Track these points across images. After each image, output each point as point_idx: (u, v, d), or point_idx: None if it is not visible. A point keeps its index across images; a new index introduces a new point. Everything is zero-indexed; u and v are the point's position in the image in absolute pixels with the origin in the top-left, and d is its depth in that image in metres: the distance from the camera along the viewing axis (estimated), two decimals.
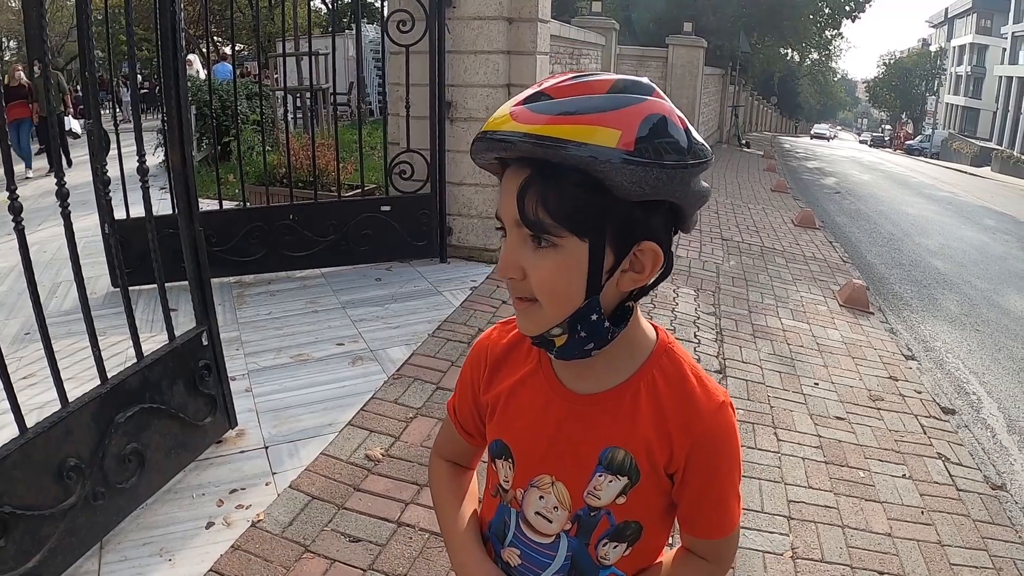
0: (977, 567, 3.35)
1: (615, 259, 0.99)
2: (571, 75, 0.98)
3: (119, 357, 4.02)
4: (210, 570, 2.73)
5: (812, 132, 65.58)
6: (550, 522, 1.16)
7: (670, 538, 1.25)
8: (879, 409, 4.88)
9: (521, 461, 1.18)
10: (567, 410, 1.13)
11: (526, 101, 0.96)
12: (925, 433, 4.65)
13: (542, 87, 0.97)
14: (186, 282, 3.42)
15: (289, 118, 8.32)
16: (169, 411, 3.15)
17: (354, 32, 12.83)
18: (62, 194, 2.70)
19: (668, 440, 1.08)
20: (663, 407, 1.09)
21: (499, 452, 1.21)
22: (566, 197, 0.94)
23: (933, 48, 77.05)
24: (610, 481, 1.11)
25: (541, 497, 1.16)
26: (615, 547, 1.16)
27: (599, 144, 0.91)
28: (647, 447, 1.09)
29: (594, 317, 1.02)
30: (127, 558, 2.79)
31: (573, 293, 1.00)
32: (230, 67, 8.05)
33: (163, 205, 6.73)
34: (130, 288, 3.13)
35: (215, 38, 19.96)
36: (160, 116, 8.37)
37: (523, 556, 1.20)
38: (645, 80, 0.98)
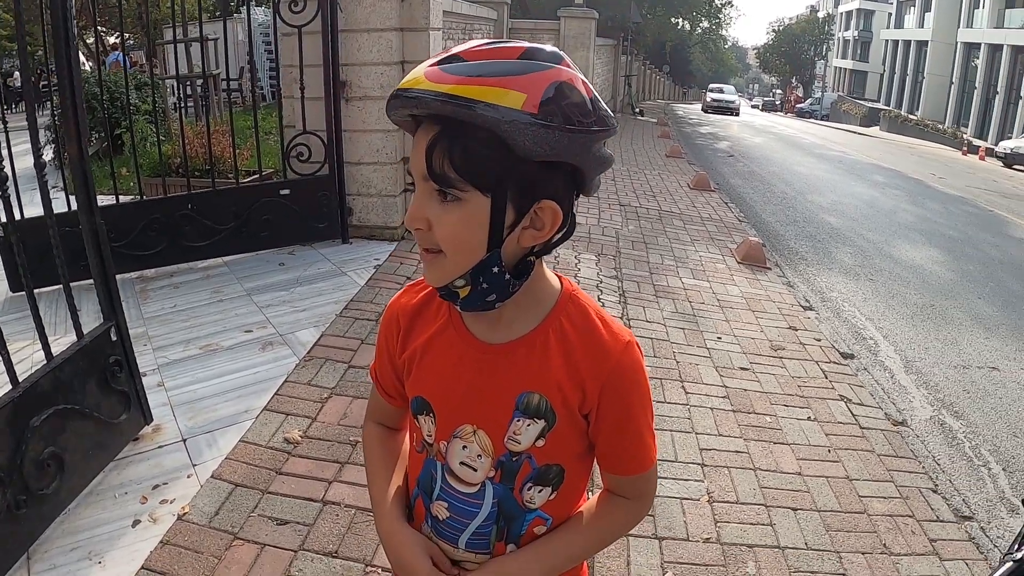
0: (885, 497, 3.57)
1: (516, 216, 1.04)
2: (486, 41, 1.02)
3: (26, 363, 3.90)
4: (141, 568, 2.70)
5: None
6: (475, 471, 1.21)
7: (589, 488, 1.33)
8: (781, 358, 5.10)
9: (442, 414, 1.22)
10: (481, 360, 1.18)
11: (440, 63, 1.00)
12: (827, 378, 4.88)
13: (456, 51, 1.02)
14: (86, 282, 3.35)
15: (181, 106, 8.10)
16: (84, 411, 3.09)
17: (244, 16, 12.56)
18: None
19: (579, 381, 1.15)
20: (572, 350, 1.15)
21: (420, 408, 1.25)
22: (471, 154, 0.99)
23: (821, 14, 79.24)
24: (528, 425, 1.16)
25: (464, 447, 1.21)
26: (540, 491, 1.21)
27: (505, 105, 0.95)
28: (560, 389, 1.15)
29: (495, 270, 1.07)
30: (56, 565, 2.73)
31: (476, 246, 1.05)
32: (121, 56, 7.80)
33: (56, 204, 6.49)
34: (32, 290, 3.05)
35: (100, 28, 19.21)
36: (49, 112, 8.08)
37: (451, 508, 1.25)
38: (555, 49, 1.04)
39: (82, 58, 11.81)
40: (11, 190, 3.15)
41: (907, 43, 51.14)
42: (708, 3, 35.24)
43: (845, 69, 67.37)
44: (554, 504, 1.23)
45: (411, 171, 1.06)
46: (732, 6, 50.03)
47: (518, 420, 1.16)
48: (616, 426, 1.17)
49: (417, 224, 1.05)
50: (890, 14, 56.42)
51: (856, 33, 64.97)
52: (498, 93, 0.96)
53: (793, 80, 79.93)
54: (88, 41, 19.57)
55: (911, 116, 42.93)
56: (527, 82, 0.97)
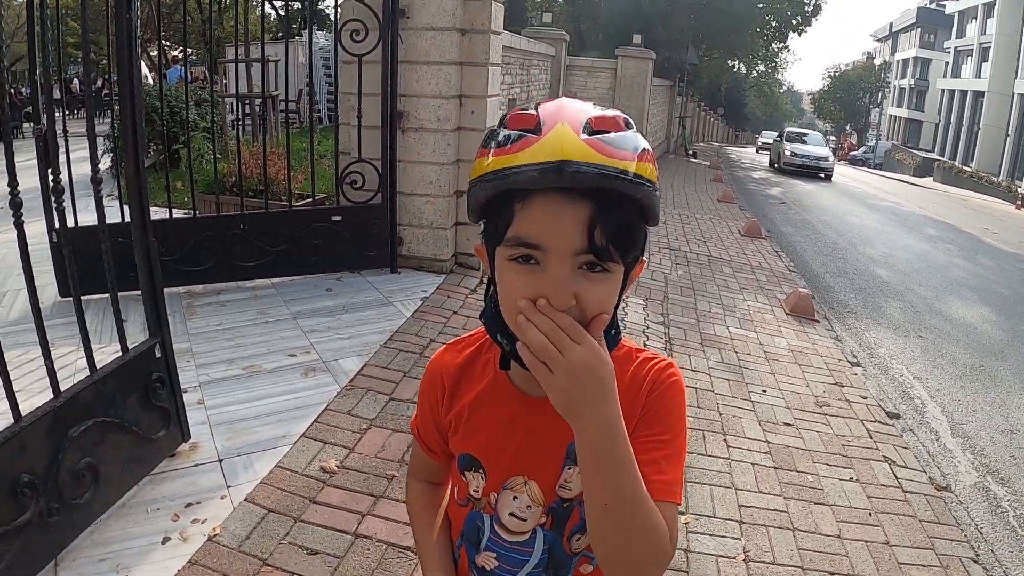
0: (925, 566, 3.45)
1: (625, 274, 1.06)
2: (591, 105, 1.02)
3: (68, 369, 3.95)
4: None
5: (760, 143, 48.16)
6: (524, 520, 1.21)
7: None
8: (826, 415, 4.99)
9: (492, 469, 1.22)
10: (531, 415, 1.17)
11: (586, 132, 0.97)
12: (871, 437, 4.76)
13: (581, 115, 0.99)
14: (134, 292, 3.38)
15: (238, 125, 8.22)
16: (123, 425, 3.11)
17: (304, 39, 12.77)
18: (16, 204, 2.67)
19: (628, 412, 1.10)
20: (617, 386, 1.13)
21: (467, 464, 1.25)
22: (628, 227, 1.00)
23: (877, 61, 78.65)
24: (579, 472, 1.12)
25: (515, 498, 1.21)
26: (583, 538, 1.21)
27: (653, 179, 1.00)
28: None
29: (613, 332, 1.11)
30: (83, 575, 2.75)
31: (611, 313, 1.05)
32: (181, 70, 7.95)
33: (110, 212, 6.61)
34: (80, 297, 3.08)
35: (164, 42, 19.69)
36: (109, 121, 8.24)
37: (499, 558, 1.25)
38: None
39: (145, 70, 12.09)
40: (65, 198, 3.18)
41: (963, 93, 50.48)
42: (765, 46, 34.99)
43: (900, 118, 66.62)
44: None
45: (544, 243, 0.98)
46: (788, 50, 49.84)
47: (569, 468, 1.17)
48: (654, 439, 1.13)
49: (571, 303, 0.99)
50: (947, 63, 55.74)
51: (912, 81, 64.31)
52: (647, 166, 0.99)
53: (847, 127, 79.35)
54: (152, 54, 20.03)
55: (965, 167, 42.12)
56: (647, 155, 1.00)
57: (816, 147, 29.54)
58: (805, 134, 32.69)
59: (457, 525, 1.32)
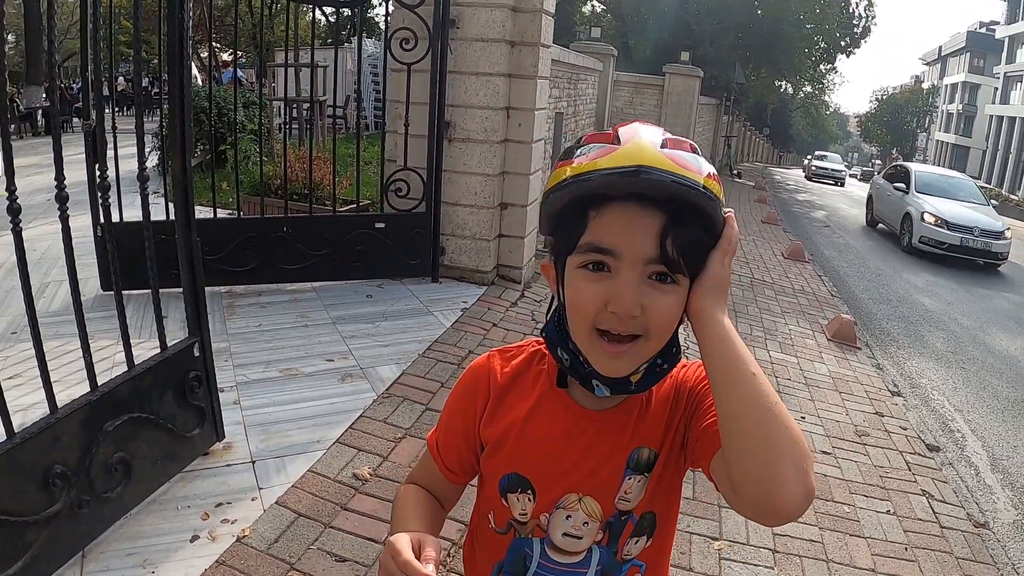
0: None
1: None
2: (663, 131, 1.06)
3: (106, 363, 3.98)
4: None
5: (814, 168, 39.57)
6: (580, 539, 1.18)
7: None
8: (865, 444, 4.90)
9: (543, 488, 1.19)
10: (589, 428, 1.17)
11: (666, 146, 1.01)
12: (910, 469, 4.67)
13: (662, 134, 1.04)
14: (175, 289, 3.40)
15: (286, 128, 8.29)
16: (158, 421, 3.13)
17: (353, 45, 12.89)
18: (61, 198, 2.69)
19: (675, 414, 1.18)
20: (666, 395, 1.19)
21: (513, 486, 1.21)
22: (698, 241, 1.03)
23: (926, 85, 77.87)
24: (638, 480, 1.16)
25: (568, 516, 1.18)
26: (636, 542, 1.21)
27: (720, 197, 1.03)
28: (662, 434, 1.17)
29: (674, 350, 1.13)
30: (109, 568, 2.76)
31: (674, 327, 1.08)
32: (234, 73, 8.05)
33: (155, 210, 6.69)
34: (122, 292, 3.11)
35: (215, 44, 20.01)
36: (158, 119, 8.36)
37: None
38: None
39: (194, 71, 12.26)
40: (112, 193, 3.22)
41: (1012, 120, 49.62)
42: (813, 67, 34.69)
43: (947, 143, 65.68)
44: (649, 551, 1.23)
45: (616, 249, 1.01)
46: (836, 72, 49.31)
47: (629, 479, 1.16)
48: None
49: (637, 311, 1.01)
50: (996, 89, 54.89)
51: (960, 107, 63.37)
52: (714, 184, 1.02)
53: (893, 151, 78.39)
54: (202, 55, 20.33)
55: (1012, 196, 41.32)
56: (715, 177, 1.04)
57: (981, 214, 15.05)
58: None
59: (493, 555, 1.27)
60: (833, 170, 38.59)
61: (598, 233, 1.01)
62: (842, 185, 37.30)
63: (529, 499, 1.20)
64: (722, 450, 0.98)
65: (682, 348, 1.15)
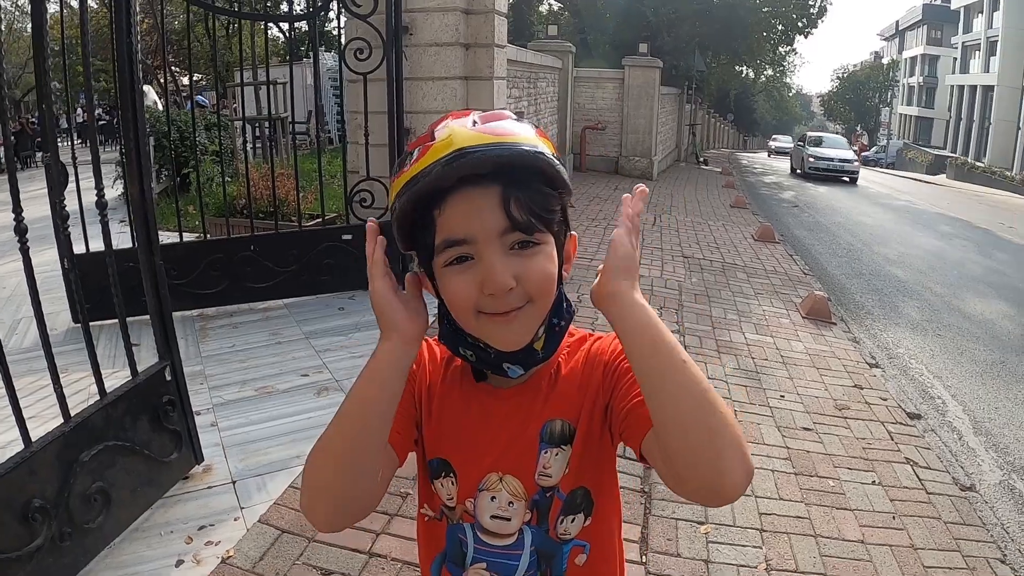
0: (951, 568, 3.38)
1: (559, 250, 1.09)
2: (476, 112, 1.08)
3: (83, 394, 3.95)
4: None
5: (773, 147, 51.16)
6: (509, 520, 1.18)
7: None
8: (845, 418, 4.93)
9: (463, 470, 1.19)
10: (500, 407, 1.18)
11: (475, 125, 1.03)
12: (892, 439, 4.69)
13: (474, 115, 1.06)
14: (148, 316, 3.37)
15: (248, 148, 8.25)
16: (134, 448, 3.11)
17: (311, 61, 12.85)
18: (20, 230, 2.67)
19: (591, 387, 1.17)
20: (575, 366, 1.19)
21: (437, 470, 1.21)
22: (540, 197, 1.03)
23: (885, 60, 78.35)
24: (556, 454, 1.16)
25: (493, 498, 1.18)
26: (572, 520, 1.19)
27: (550, 151, 1.04)
28: (580, 405, 1.16)
29: (564, 305, 1.13)
30: None
31: (553, 286, 1.07)
32: (201, 97, 8.01)
33: (123, 239, 6.64)
34: (92, 323, 3.09)
35: (172, 68, 19.87)
36: (118, 148, 8.29)
37: (490, 567, 1.21)
38: None
39: (155, 96, 12.20)
40: (77, 225, 3.19)
41: (973, 88, 50.01)
42: (772, 50, 34.80)
43: (910, 116, 66.10)
44: (591, 530, 1.21)
45: (467, 236, 1.01)
46: (796, 53, 49.63)
47: (545, 452, 1.16)
48: (633, 381, 1.10)
49: (510, 284, 1.01)
50: (955, 59, 55.23)
51: (921, 79, 63.84)
52: (541, 141, 1.04)
53: (858, 128, 78.92)
54: (162, 80, 20.19)
55: (978, 163, 41.67)
56: (539, 133, 1.06)
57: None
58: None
59: (435, 545, 1.27)
60: (784, 147, 48.39)
61: (447, 228, 1.02)
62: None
63: (452, 483, 1.20)
64: (657, 439, 0.97)
65: (572, 303, 1.16)
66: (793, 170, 30.66)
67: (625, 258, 1.01)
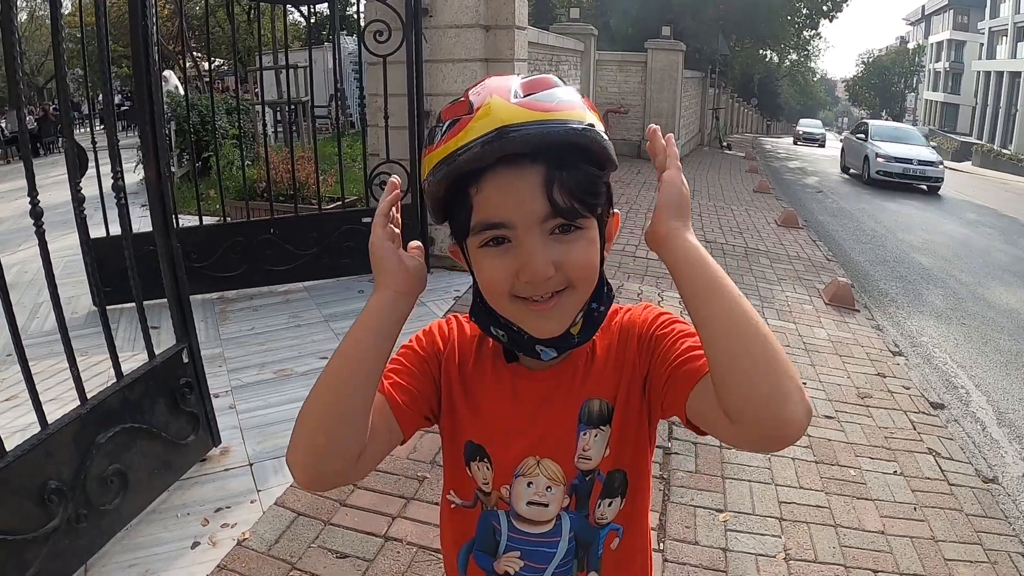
0: (972, 561, 3.33)
1: (601, 231, 1.04)
2: (518, 77, 1.00)
3: (102, 377, 3.97)
4: None
5: (801, 132, 45.68)
6: (546, 506, 1.14)
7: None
8: (868, 406, 4.88)
9: (498, 457, 1.15)
10: (535, 388, 1.13)
11: (521, 95, 0.96)
12: (915, 429, 4.64)
13: (510, 84, 0.98)
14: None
15: (270, 132, 8.26)
16: (151, 430, 3.11)
17: (331, 45, 12.85)
18: (36, 213, 2.67)
19: (627, 361, 1.13)
20: (610, 342, 1.15)
21: (472, 454, 1.17)
22: (586, 180, 0.97)
23: (911, 45, 77.52)
24: (595, 435, 1.12)
25: (529, 483, 1.13)
26: (610, 504, 1.15)
27: (598, 124, 0.97)
28: (614, 384, 1.12)
29: (605, 289, 1.10)
30: None
31: (596, 271, 1.04)
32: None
33: (144, 222, 6.68)
34: (114, 306, 3.12)
35: (194, 53, 19.93)
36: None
37: (524, 556, 1.17)
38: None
39: (176, 82, 12.24)
40: (94, 209, 3.19)
41: (999, 74, 49.32)
42: (796, 34, 34.45)
43: (936, 102, 65.33)
44: (625, 513, 1.18)
45: (507, 220, 0.97)
46: (821, 37, 49.20)
47: (584, 433, 1.12)
48: (673, 339, 1.09)
49: (550, 271, 0.97)
50: (982, 44, 54.51)
51: (947, 65, 63.03)
52: (589, 112, 0.97)
53: (883, 113, 78.13)
54: (187, 66, 20.24)
55: (1004, 150, 41.05)
56: (587, 103, 0.99)
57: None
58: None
59: (463, 533, 1.22)
60: (813, 133, 44.53)
61: (484, 210, 0.97)
62: (822, 146, 41.40)
63: (488, 467, 1.16)
64: (715, 379, 0.92)
65: (614, 288, 1.12)
66: (845, 170, 23.68)
67: (677, 197, 0.98)
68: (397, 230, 1.08)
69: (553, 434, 1.12)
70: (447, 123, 0.98)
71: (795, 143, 43.67)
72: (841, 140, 28.92)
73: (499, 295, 1.01)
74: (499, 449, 1.15)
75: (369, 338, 1.02)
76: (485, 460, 1.16)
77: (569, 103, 0.96)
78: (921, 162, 19.66)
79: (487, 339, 1.18)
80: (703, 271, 0.94)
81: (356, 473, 1.06)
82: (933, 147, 22.78)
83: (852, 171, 22.68)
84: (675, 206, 0.98)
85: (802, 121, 54.37)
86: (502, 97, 0.96)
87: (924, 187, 19.83)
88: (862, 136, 22.13)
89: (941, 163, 20.24)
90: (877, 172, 19.80)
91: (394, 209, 1.07)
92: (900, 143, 20.87)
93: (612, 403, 1.12)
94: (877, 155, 20.08)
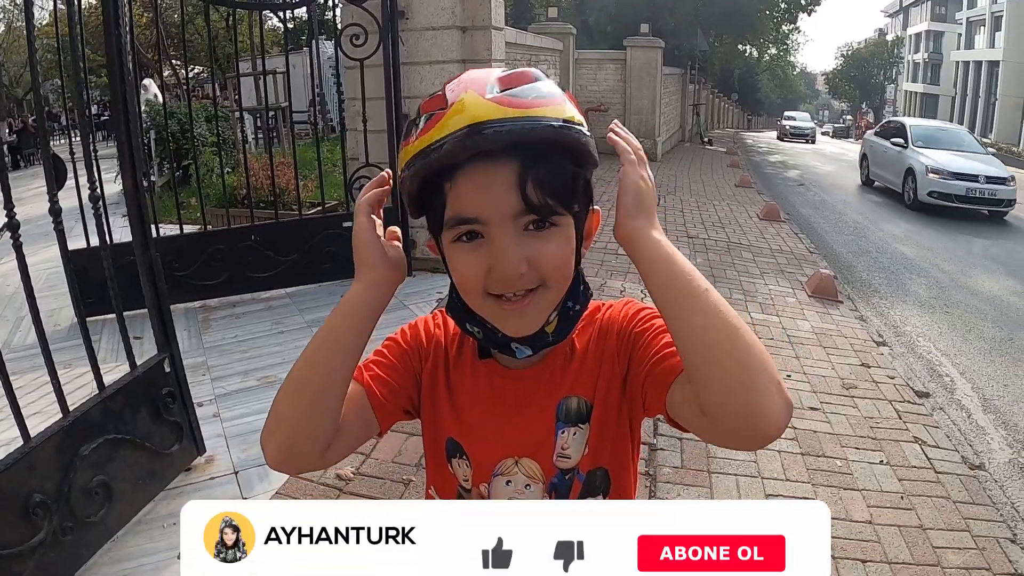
0: (960, 548, 3.35)
1: (578, 228, 1.03)
2: (496, 71, 0.99)
3: (86, 389, 3.93)
4: None
5: (787, 127, 40.53)
6: None
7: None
8: (853, 397, 4.90)
9: (477, 455, 1.15)
10: (512, 387, 1.13)
11: (498, 90, 0.95)
12: (900, 418, 4.66)
13: (487, 78, 0.97)
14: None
15: (251, 138, 8.23)
16: (135, 441, 3.09)
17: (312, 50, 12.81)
18: (12, 226, 2.65)
19: (605, 359, 1.12)
20: (590, 339, 1.14)
21: (453, 451, 1.17)
22: (562, 177, 0.97)
23: (890, 37, 77.80)
24: (574, 433, 1.11)
25: (508, 482, 1.13)
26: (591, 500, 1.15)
27: (577, 121, 0.96)
28: (593, 381, 1.12)
29: (581, 287, 1.09)
30: None
31: (571, 268, 1.03)
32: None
33: (127, 232, 6.65)
34: (97, 317, 3.09)
35: (173, 62, 19.85)
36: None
37: None
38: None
39: (155, 90, 12.18)
40: (75, 220, 3.18)
41: (978, 64, 49.61)
42: (775, 29, 34.59)
43: (916, 93, 65.52)
44: None
45: (480, 215, 0.97)
46: (799, 31, 49.32)
47: (563, 431, 1.11)
48: (652, 335, 1.07)
49: (522, 268, 0.97)
50: (960, 35, 54.80)
51: (926, 55, 63.31)
52: (569, 106, 0.97)
53: (863, 105, 78.37)
54: (165, 74, 20.15)
55: (984, 139, 41.28)
56: (567, 97, 0.99)
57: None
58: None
59: None
60: (803, 128, 40.01)
61: (458, 205, 0.97)
62: (812, 142, 38.36)
63: (467, 465, 1.16)
64: (689, 378, 0.92)
65: (596, 285, 1.12)
66: (869, 183, 17.64)
67: (636, 195, 0.98)
68: (380, 220, 1.08)
69: (531, 433, 1.12)
70: (424, 117, 0.98)
71: (780, 139, 40.15)
72: (858, 142, 22.85)
73: (473, 292, 1.01)
74: (477, 448, 1.15)
75: (346, 326, 1.04)
76: (464, 458, 1.16)
77: (549, 98, 0.95)
78: (989, 179, 13.88)
79: (465, 341, 1.18)
80: (670, 269, 0.94)
81: (328, 458, 1.07)
82: (992, 154, 16.27)
83: (878, 184, 17.05)
84: (634, 205, 0.98)
85: (787, 113, 50.28)
86: (478, 92, 0.95)
87: (986, 212, 14.02)
88: (899, 142, 15.66)
89: (1012, 179, 14.21)
90: (930, 193, 13.88)
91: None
92: (953, 150, 14.92)
93: (591, 401, 1.11)
94: (930, 169, 14.06)
